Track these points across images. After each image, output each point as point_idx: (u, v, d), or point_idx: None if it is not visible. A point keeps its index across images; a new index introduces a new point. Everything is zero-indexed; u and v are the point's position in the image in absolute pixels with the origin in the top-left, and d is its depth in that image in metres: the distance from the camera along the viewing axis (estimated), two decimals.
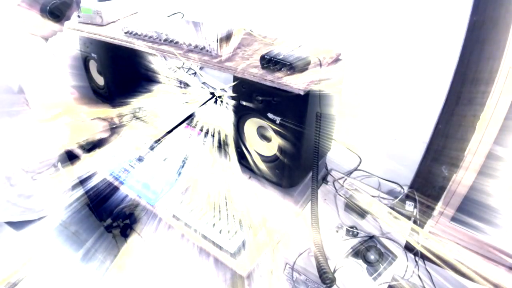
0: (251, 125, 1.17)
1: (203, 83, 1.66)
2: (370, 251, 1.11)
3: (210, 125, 1.42)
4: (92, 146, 1.45)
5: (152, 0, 1.68)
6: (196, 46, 1.12)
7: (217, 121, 1.39)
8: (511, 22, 0.84)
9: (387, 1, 1.04)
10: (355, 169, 1.39)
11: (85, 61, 1.75)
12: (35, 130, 1.10)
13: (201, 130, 1.45)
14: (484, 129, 0.99)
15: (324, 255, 0.89)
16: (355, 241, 1.19)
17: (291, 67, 0.93)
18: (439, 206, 1.18)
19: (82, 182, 1.38)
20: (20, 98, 1.02)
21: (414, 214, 1.16)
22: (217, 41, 1.05)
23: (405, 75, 1.11)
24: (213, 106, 1.41)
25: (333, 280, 0.85)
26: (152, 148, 1.40)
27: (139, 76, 1.80)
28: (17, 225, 1.26)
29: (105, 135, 1.38)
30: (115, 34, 1.34)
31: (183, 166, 1.34)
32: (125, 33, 1.30)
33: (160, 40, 1.21)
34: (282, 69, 0.94)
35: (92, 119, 1.34)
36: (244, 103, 1.10)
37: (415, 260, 1.13)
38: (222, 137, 1.36)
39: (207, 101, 1.41)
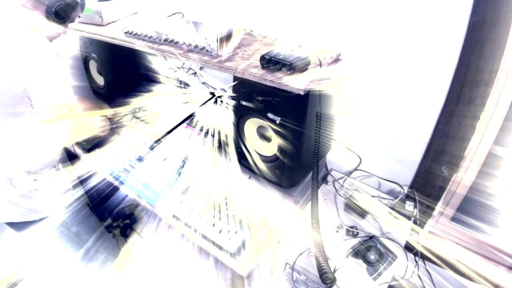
0: (251, 125, 1.17)
1: (203, 83, 1.66)
2: (370, 251, 1.12)
3: (210, 125, 1.42)
4: (92, 146, 1.45)
5: (152, 0, 1.68)
6: (196, 46, 1.12)
7: (217, 121, 1.39)
8: (511, 22, 0.84)
9: (387, 1, 1.05)
10: (355, 169, 1.39)
11: (85, 61, 1.75)
12: (38, 130, 1.10)
13: (201, 130, 1.45)
14: (484, 129, 0.99)
15: (324, 255, 0.88)
16: (355, 241, 1.19)
17: (291, 67, 0.93)
18: (439, 206, 1.18)
19: (82, 182, 1.38)
20: (24, 98, 1.02)
21: (414, 214, 1.16)
22: (217, 41, 1.05)
23: (405, 75, 1.11)
24: (213, 106, 1.41)
25: (333, 280, 0.85)
26: (152, 148, 1.40)
27: (139, 76, 1.80)
28: (18, 226, 1.26)
29: (104, 134, 1.38)
30: (115, 34, 1.34)
31: (183, 166, 1.33)
32: (125, 33, 1.30)
33: (160, 40, 1.21)
34: (282, 69, 0.94)
35: (92, 118, 1.34)
36: (244, 103, 1.10)
37: (415, 260, 1.13)
38: (222, 137, 1.36)
39: (207, 101, 1.41)
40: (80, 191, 1.37)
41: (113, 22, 1.49)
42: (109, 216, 1.97)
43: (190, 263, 1.40)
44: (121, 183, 1.31)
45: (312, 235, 0.94)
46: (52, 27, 1.07)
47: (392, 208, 1.20)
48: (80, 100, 1.17)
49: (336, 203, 1.33)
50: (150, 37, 1.23)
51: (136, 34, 1.27)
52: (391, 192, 1.33)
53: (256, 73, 0.97)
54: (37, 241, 1.32)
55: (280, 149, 1.09)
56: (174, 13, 1.51)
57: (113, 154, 1.42)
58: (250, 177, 1.29)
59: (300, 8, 1.25)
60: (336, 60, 1.10)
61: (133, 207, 2.04)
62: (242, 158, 1.25)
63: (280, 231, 1.13)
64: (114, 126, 1.44)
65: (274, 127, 1.05)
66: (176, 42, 1.17)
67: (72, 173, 1.34)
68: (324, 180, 1.43)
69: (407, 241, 1.17)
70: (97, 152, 1.42)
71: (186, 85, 1.69)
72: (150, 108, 1.65)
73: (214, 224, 1.12)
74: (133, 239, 1.89)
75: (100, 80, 1.75)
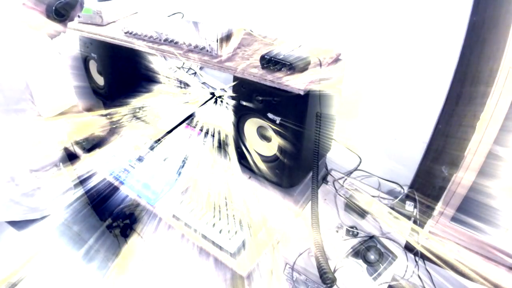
0: (251, 125, 1.17)
1: (203, 83, 1.66)
2: (370, 251, 1.12)
3: (210, 125, 1.42)
4: (92, 146, 1.45)
5: (152, 0, 1.68)
6: (196, 46, 1.12)
7: (217, 121, 1.39)
8: (511, 22, 0.84)
9: (387, 1, 1.05)
10: (355, 169, 1.39)
11: (85, 61, 1.75)
12: (39, 128, 1.10)
13: (201, 130, 1.45)
14: (484, 129, 0.99)
15: (324, 255, 0.88)
16: (355, 241, 1.19)
17: (291, 67, 0.93)
18: (439, 206, 1.18)
19: (82, 182, 1.38)
20: (26, 95, 1.03)
21: (414, 214, 1.16)
22: (217, 41, 1.05)
23: (405, 75, 1.11)
24: (213, 106, 1.41)
25: (333, 280, 0.85)
26: (152, 148, 1.40)
27: (139, 76, 1.80)
28: (19, 224, 1.26)
29: (104, 134, 1.38)
30: (115, 34, 1.34)
31: (183, 166, 1.33)
32: (125, 33, 1.30)
33: (160, 40, 1.21)
34: (282, 69, 0.94)
35: (92, 118, 1.35)
36: (244, 103, 1.10)
37: (415, 260, 1.13)
38: (222, 137, 1.36)
39: (207, 101, 1.41)
40: (81, 191, 1.37)
41: (113, 22, 1.49)
42: (109, 216, 1.97)
43: (190, 263, 1.40)
44: (121, 183, 1.31)
45: (312, 235, 0.94)
46: (52, 25, 1.07)
47: (392, 208, 1.20)
48: (80, 100, 1.17)
49: (336, 203, 1.33)
50: (150, 37, 1.23)
51: (136, 34, 1.27)
52: (391, 192, 1.33)
53: (256, 73, 0.97)
54: (38, 240, 1.32)
55: (280, 149, 1.09)
56: (174, 13, 1.51)
57: (113, 154, 1.41)
58: (250, 177, 1.29)
59: (300, 8, 1.25)
60: (336, 60, 1.10)
61: (133, 207, 2.03)
62: (242, 158, 1.25)
63: (280, 231, 1.13)
64: (114, 126, 1.43)
65: (274, 127, 1.04)
66: (176, 42, 1.17)
67: (73, 172, 1.34)
68: (324, 180, 1.43)
69: (407, 241, 1.17)
70: (97, 152, 1.42)
71: (186, 85, 1.69)
72: (150, 108, 1.65)
73: (214, 224, 1.12)
74: (133, 239, 1.89)
75: (100, 80, 1.75)
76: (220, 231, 1.09)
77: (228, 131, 1.29)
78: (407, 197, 1.22)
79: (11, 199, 1.17)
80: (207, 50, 1.09)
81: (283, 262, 1.17)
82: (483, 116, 0.97)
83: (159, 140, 1.34)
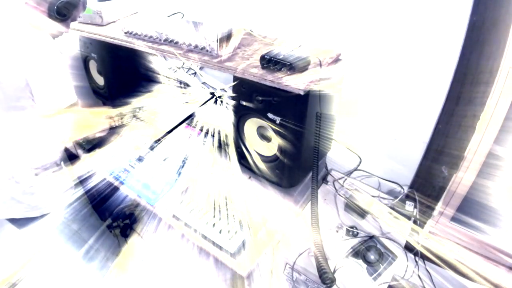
0: (251, 125, 1.17)
1: (203, 83, 1.66)
2: (370, 251, 1.11)
3: (210, 125, 1.42)
4: (92, 146, 1.45)
5: (152, 0, 1.68)
6: (196, 46, 1.12)
7: (217, 121, 1.39)
8: (511, 22, 0.84)
9: (387, 1, 1.04)
10: (355, 169, 1.39)
11: (85, 61, 1.75)
12: (40, 125, 1.10)
13: (201, 130, 1.45)
14: (484, 129, 0.99)
15: (324, 255, 0.88)
16: (355, 241, 1.19)
17: (291, 67, 0.93)
18: (439, 206, 1.18)
19: (82, 182, 1.38)
20: (26, 92, 1.03)
21: (414, 214, 1.16)
22: (217, 41, 1.05)
23: (405, 75, 1.11)
24: (213, 106, 1.41)
25: (333, 280, 0.85)
26: (152, 148, 1.40)
27: (139, 76, 1.80)
28: (20, 222, 1.26)
29: (104, 134, 1.38)
30: (115, 34, 1.34)
31: (183, 166, 1.33)
32: (125, 33, 1.30)
33: (160, 40, 1.21)
34: (282, 69, 0.94)
35: (92, 117, 1.35)
36: (244, 103, 1.10)
37: (415, 260, 1.13)
38: (222, 137, 1.36)
39: (207, 101, 1.41)
40: (80, 191, 1.37)
41: (113, 22, 1.49)
42: (109, 216, 1.97)
43: (190, 263, 1.40)
44: (121, 183, 1.31)
45: (312, 235, 0.94)
46: (54, 25, 1.07)
47: (392, 208, 1.20)
48: (81, 100, 1.17)
49: (336, 203, 1.33)
50: (150, 37, 1.23)
51: (136, 34, 1.27)
52: (391, 192, 1.32)
53: (256, 73, 0.97)
54: (38, 238, 1.32)
55: (280, 149, 1.09)
56: (174, 13, 1.51)
57: (113, 154, 1.41)
58: (250, 177, 1.29)
59: (300, 8, 1.25)
60: (336, 60, 1.10)
61: (133, 207, 2.03)
62: (242, 158, 1.25)
63: (280, 231, 1.13)
64: (114, 126, 1.43)
65: (274, 127, 1.05)
66: (176, 42, 1.17)
67: (73, 172, 1.34)
68: (324, 180, 1.43)
69: (407, 241, 1.17)
70: (97, 152, 1.42)
71: (186, 85, 1.69)
72: (150, 108, 1.65)
73: (214, 224, 1.12)
74: (133, 239, 1.89)
75: (100, 80, 1.75)
76: (220, 231, 1.09)
77: (228, 131, 1.29)
78: (407, 197, 1.22)
79: (11, 197, 1.17)
80: (207, 50, 1.09)
81: (283, 262, 1.17)
82: (483, 116, 0.97)
83: (159, 140, 1.34)
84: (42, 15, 1.04)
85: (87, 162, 1.40)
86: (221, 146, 1.40)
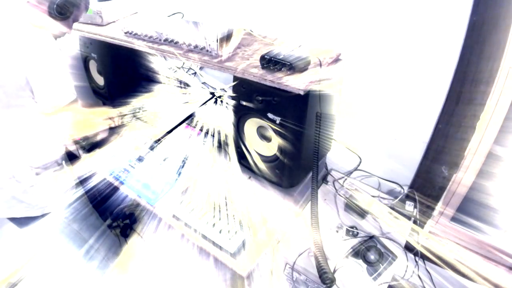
0: (251, 125, 1.17)
1: (203, 83, 1.66)
2: (370, 251, 1.12)
3: (210, 125, 1.42)
4: (92, 146, 1.45)
5: (152, 0, 1.68)
6: (196, 46, 1.12)
7: (217, 121, 1.39)
8: (511, 22, 0.84)
9: (387, 1, 1.04)
10: (355, 169, 1.39)
11: (85, 61, 1.75)
12: (40, 124, 1.10)
13: (201, 130, 1.45)
14: (484, 129, 0.99)
15: (324, 255, 0.88)
16: (355, 241, 1.19)
17: (291, 67, 0.93)
18: (439, 206, 1.18)
19: (83, 182, 1.38)
20: (26, 90, 1.03)
21: (414, 214, 1.16)
22: (217, 41, 1.05)
23: (405, 75, 1.11)
24: (213, 106, 1.41)
25: (333, 280, 0.85)
26: (152, 148, 1.40)
27: (139, 76, 1.80)
28: (20, 221, 1.26)
29: (104, 134, 1.38)
30: (115, 34, 1.34)
31: (183, 166, 1.34)
32: (125, 33, 1.30)
33: (160, 40, 1.21)
34: (282, 69, 0.94)
35: (92, 117, 1.35)
36: (244, 103, 1.10)
37: (415, 260, 1.13)
38: (222, 137, 1.36)
39: (207, 101, 1.41)
40: (81, 190, 1.37)
41: (113, 22, 1.49)
42: (109, 216, 1.97)
43: (190, 263, 1.40)
44: (121, 183, 1.32)
45: (312, 235, 0.94)
46: (55, 24, 1.07)
47: (392, 208, 1.20)
48: (80, 100, 1.17)
49: (336, 203, 1.33)
50: (150, 37, 1.23)
51: (136, 34, 1.27)
52: (391, 192, 1.32)
53: (256, 73, 0.97)
54: (39, 237, 1.32)
55: (280, 149, 1.09)
56: (174, 13, 1.52)
57: (113, 154, 1.42)
58: (250, 177, 1.29)
59: (300, 8, 1.25)
60: (336, 60, 1.10)
61: (133, 207, 2.03)
62: (242, 158, 1.25)
63: (280, 231, 1.13)
64: (114, 126, 1.43)
65: (274, 127, 1.05)
66: (176, 42, 1.17)
67: (73, 171, 1.34)
68: (324, 180, 1.43)
69: (407, 241, 1.17)
70: (97, 152, 1.42)
71: (186, 85, 1.69)
72: (150, 108, 1.65)
73: (214, 224, 1.12)
74: (133, 239, 1.89)
75: (100, 80, 1.75)
76: (220, 231, 1.09)
77: (228, 131, 1.29)
78: (407, 197, 1.22)
79: (12, 196, 1.17)
80: (207, 50, 1.09)
81: (283, 262, 1.17)
82: (483, 116, 0.97)
83: (159, 140, 1.34)
84: (43, 14, 1.04)
85: (87, 162, 1.40)
86: (221, 146, 1.40)
